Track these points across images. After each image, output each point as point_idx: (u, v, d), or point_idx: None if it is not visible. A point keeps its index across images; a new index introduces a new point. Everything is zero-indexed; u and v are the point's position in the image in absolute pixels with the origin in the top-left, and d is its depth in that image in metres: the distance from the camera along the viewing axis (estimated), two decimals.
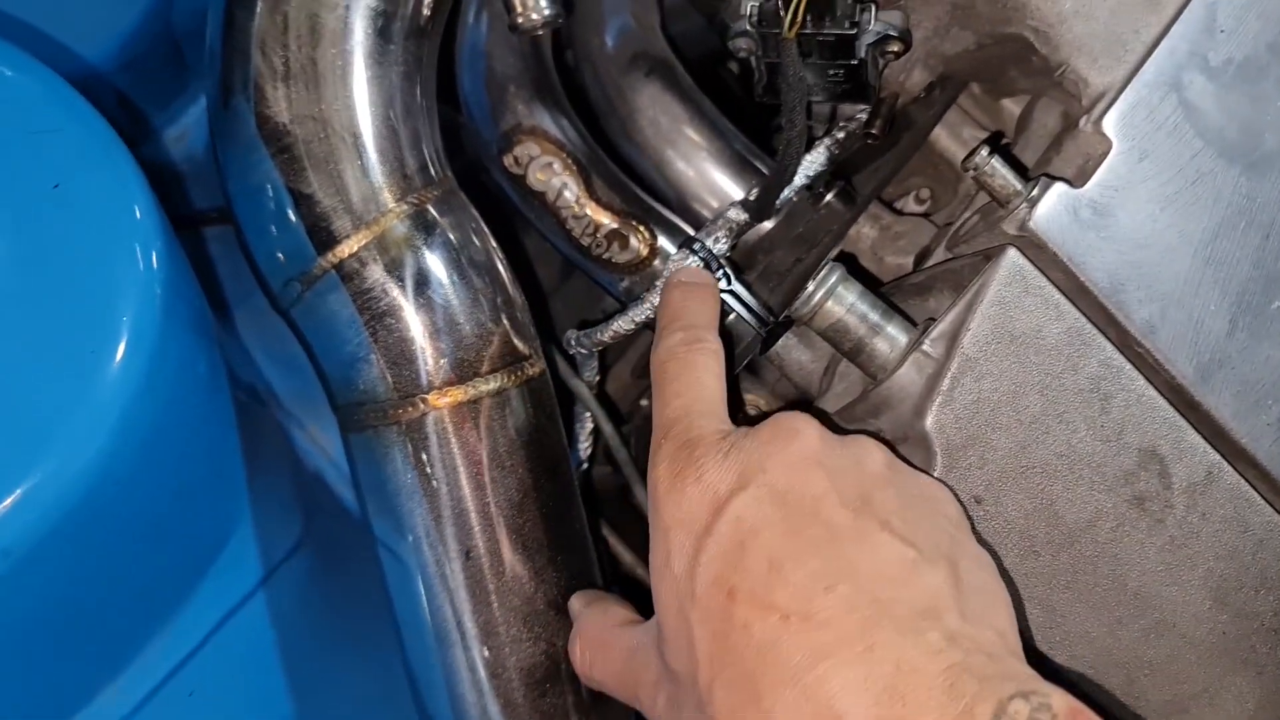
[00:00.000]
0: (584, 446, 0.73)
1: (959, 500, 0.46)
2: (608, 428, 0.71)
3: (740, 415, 0.67)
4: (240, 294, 0.81)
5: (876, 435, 0.47)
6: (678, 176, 0.71)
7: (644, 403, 0.77)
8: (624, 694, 0.49)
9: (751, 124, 0.74)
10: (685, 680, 0.43)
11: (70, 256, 0.49)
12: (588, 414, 0.72)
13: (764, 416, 0.47)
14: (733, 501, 0.43)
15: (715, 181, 0.70)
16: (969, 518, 0.46)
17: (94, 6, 0.82)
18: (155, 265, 0.51)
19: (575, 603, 0.55)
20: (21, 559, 0.44)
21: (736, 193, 0.70)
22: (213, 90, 0.56)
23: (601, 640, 0.51)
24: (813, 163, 0.62)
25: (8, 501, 0.43)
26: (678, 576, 0.43)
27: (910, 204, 0.72)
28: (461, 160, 0.71)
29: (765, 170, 0.70)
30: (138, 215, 0.52)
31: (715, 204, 0.70)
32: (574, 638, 0.53)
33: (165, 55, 0.88)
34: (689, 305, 0.53)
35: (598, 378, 0.71)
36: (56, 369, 0.47)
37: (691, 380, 0.49)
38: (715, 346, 0.50)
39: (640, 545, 0.59)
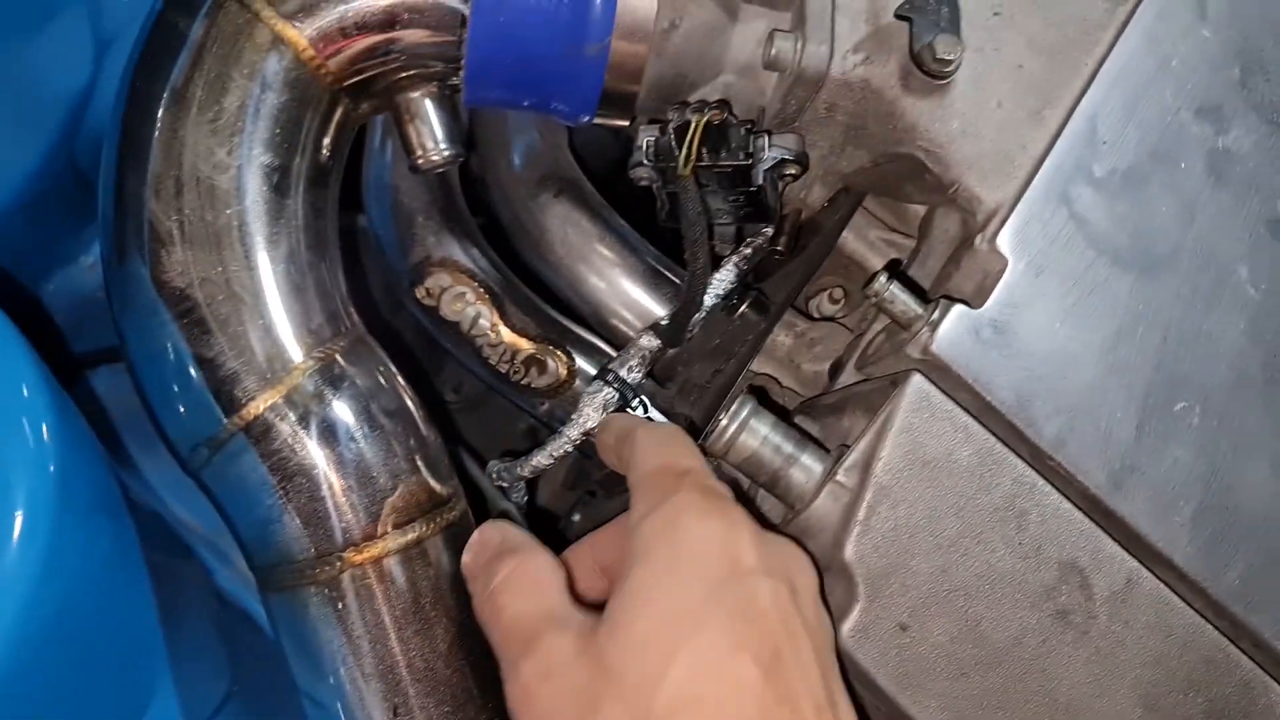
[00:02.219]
0: None
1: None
2: None
3: None
4: None
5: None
6: (592, 293, 0.71)
7: (575, 517, 0.77)
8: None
9: (661, 230, 0.75)
10: None
11: None
12: None
13: None
14: None
15: (630, 296, 0.70)
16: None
17: None
18: (48, 441, 0.50)
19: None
20: None
21: (651, 305, 0.70)
22: (108, 253, 0.55)
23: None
24: (722, 281, 0.63)
25: None
26: None
27: (825, 303, 0.73)
28: None
29: (678, 280, 0.71)
30: (25, 394, 0.50)
31: (631, 318, 0.70)
32: None
33: (71, 187, 0.87)
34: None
35: (526, 497, 0.71)
36: None
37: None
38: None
39: None
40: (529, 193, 0.72)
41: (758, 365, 0.68)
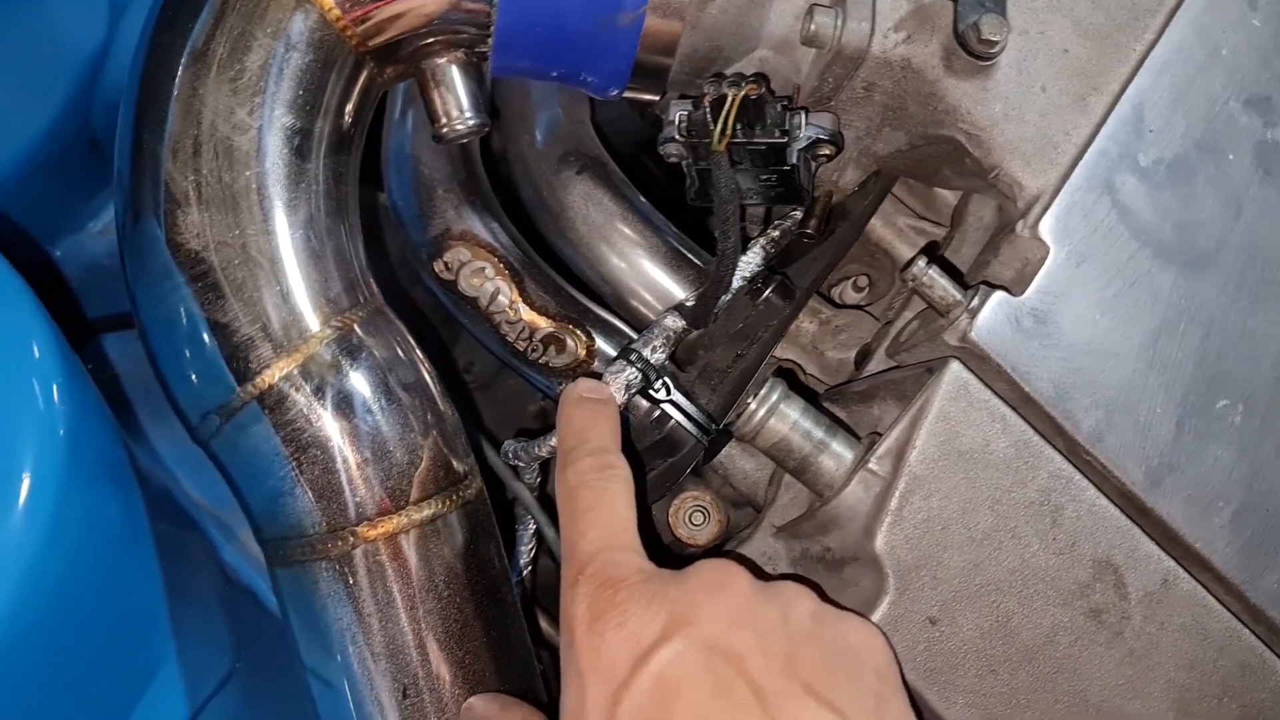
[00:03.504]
0: (526, 549, 0.71)
1: (890, 646, 0.45)
2: (550, 533, 0.69)
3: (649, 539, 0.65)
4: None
5: (805, 580, 0.46)
6: (612, 273, 0.69)
7: None
8: None
9: (683, 210, 0.73)
10: None
11: None
12: (530, 516, 0.69)
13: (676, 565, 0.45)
14: (656, 653, 0.41)
15: (651, 277, 0.69)
16: (899, 665, 0.45)
17: (9, 106, 0.80)
18: (57, 405, 0.48)
19: (476, 703, 0.52)
20: None
21: (672, 288, 0.68)
22: (122, 214, 0.53)
23: None
24: (749, 263, 0.61)
25: None
26: None
27: (849, 291, 0.71)
28: None
29: (700, 263, 0.69)
30: (36, 354, 0.49)
31: (651, 300, 0.69)
32: None
33: (84, 151, 0.86)
34: (595, 425, 0.51)
35: (539, 478, 0.69)
36: None
37: (606, 510, 0.47)
38: (625, 472, 0.49)
39: None
40: (551, 169, 0.71)
41: (780, 351, 0.66)
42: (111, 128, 0.85)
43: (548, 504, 0.73)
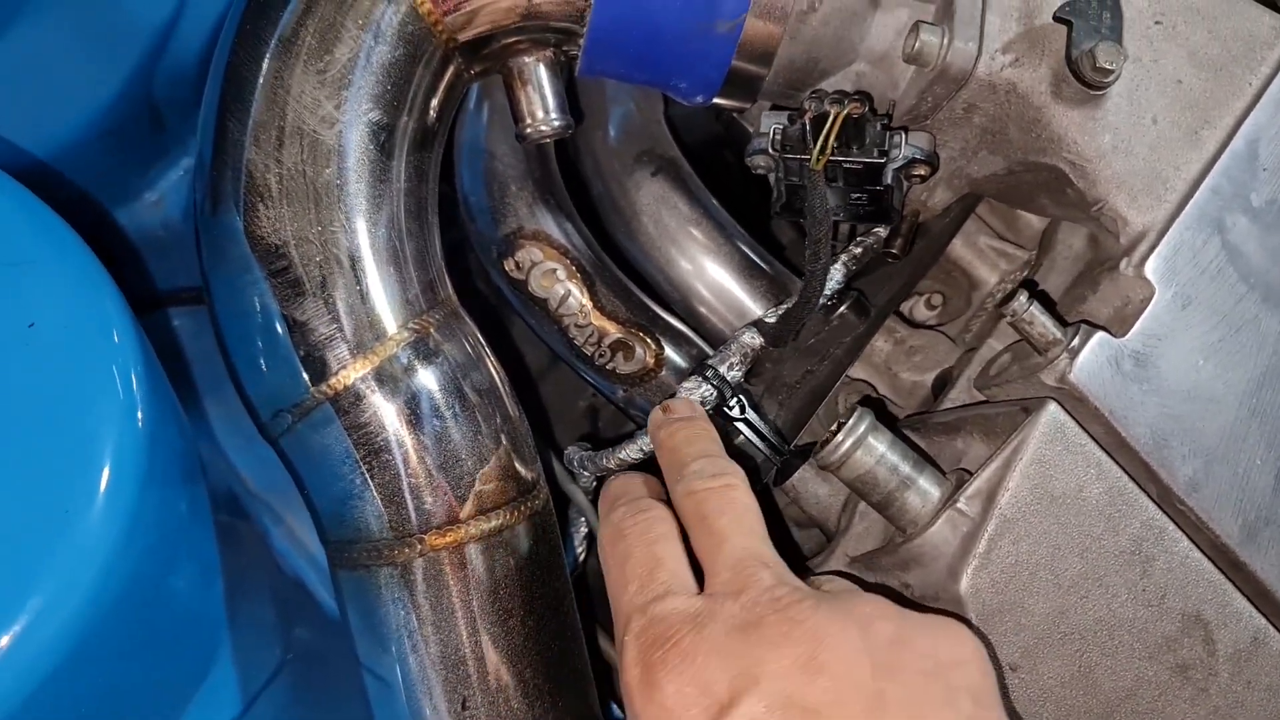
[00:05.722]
0: (579, 550, 0.70)
1: (984, 648, 0.42)
2: None
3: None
4: (213, 379, 0.78)
5: (887, 590, 0.45)
6: (682, 278, 0.68)
7: None
8: None
9: (751, 210, 0.72)
10: None
11: (47, 393, 0.45)
12: (583, 518, 0.69)
13: None
14: (734, 713, 0.39)
15: (722, 286, 0.67)
16: (999, 672, 0.43)
17: (75, 74, 0.79)
18: (136, 394, 0.47)
19: None
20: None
21: (743, 297, 0.67)
22: (201, 200, 0.52)
23: None
24: (829, 280, 0.60)
25: None
26: None
27: (920, 308, 0.70)
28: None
29: (771, 272, 0.68)
30: (116, 340, 0.48)
31: (721, 308, 0.67)
32: None
33: (145, 121, 0.85)
34: (631, 485, 0.52)
35: (594, 483, 0.68)
36: (35, 517, 0.43)
37: (643, 557, 0.46)
38: (665, 513, 0.48)
39: None
40: (624, 168, 0.69)
41: (851, 370, 0.65)
42: (173, 99, 0.84)
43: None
